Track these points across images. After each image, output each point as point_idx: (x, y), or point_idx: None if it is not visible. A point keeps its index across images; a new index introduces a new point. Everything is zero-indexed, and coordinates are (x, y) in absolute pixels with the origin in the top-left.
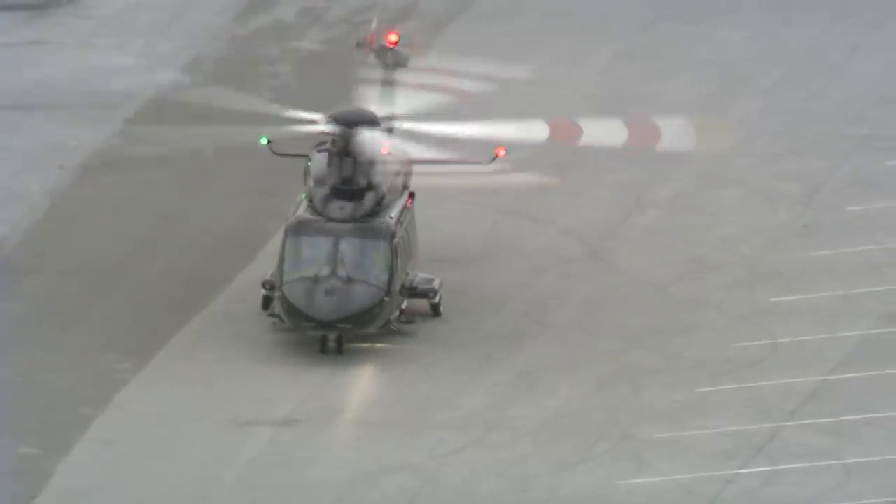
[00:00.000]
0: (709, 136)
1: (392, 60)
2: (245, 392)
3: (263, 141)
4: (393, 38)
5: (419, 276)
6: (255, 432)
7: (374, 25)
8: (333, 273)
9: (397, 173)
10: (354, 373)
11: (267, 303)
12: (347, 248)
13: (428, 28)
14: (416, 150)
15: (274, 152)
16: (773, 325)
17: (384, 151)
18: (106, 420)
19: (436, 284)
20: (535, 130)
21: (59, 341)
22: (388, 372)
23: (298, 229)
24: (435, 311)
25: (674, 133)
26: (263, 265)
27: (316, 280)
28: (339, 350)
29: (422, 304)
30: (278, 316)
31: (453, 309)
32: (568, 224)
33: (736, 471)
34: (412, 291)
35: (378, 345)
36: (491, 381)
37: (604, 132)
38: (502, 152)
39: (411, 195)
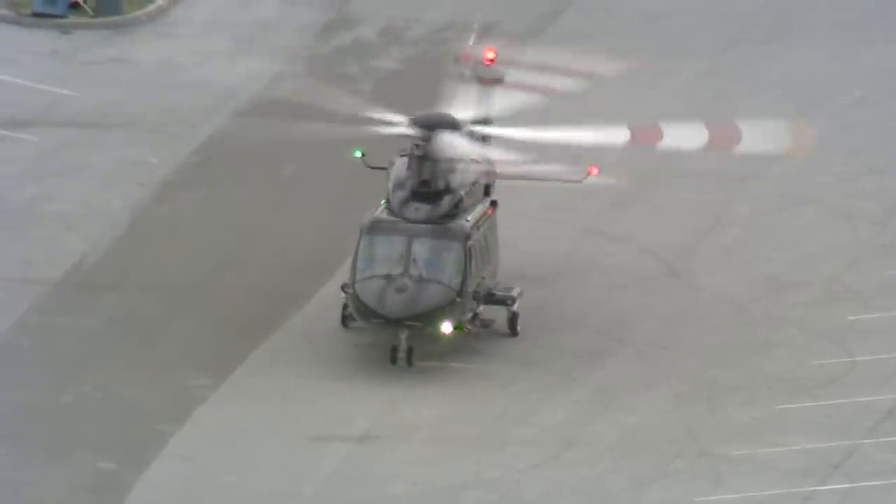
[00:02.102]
0: (793, 137)
1: (488, 77)
2: (322, 408)
3: (357, 154)
4: (490, 54)
5: (499, 284)
6: (333, 448)
7: (471, 42)
8: (405, 272)
9: (478, 179)
10: (430, 390)
11: (346, 317)
12: (420, 248)
13: (508, 47)
14: (508, 164)
15: (367, 165)
16: (851, 342)
17: (464, 156)
18: (184, 436)
19: (515, 293)
20: (617, 134)
21: (138, 358)
22: (464, 389)
23: (373, 229)
24: (512, 327)
25: (756, 135)
26: (341, 282)
27: (388, 278)
28: (409, 362)
29: (499, 322)
30: (350, 315)
31: (531, 326)
32: (646, 242)
33: (813, 488)
34: (490, 297)
35: (454, 363)
36: (569, 397)
37: (685, 135)
38: (595, 170)
39: (493, 203)
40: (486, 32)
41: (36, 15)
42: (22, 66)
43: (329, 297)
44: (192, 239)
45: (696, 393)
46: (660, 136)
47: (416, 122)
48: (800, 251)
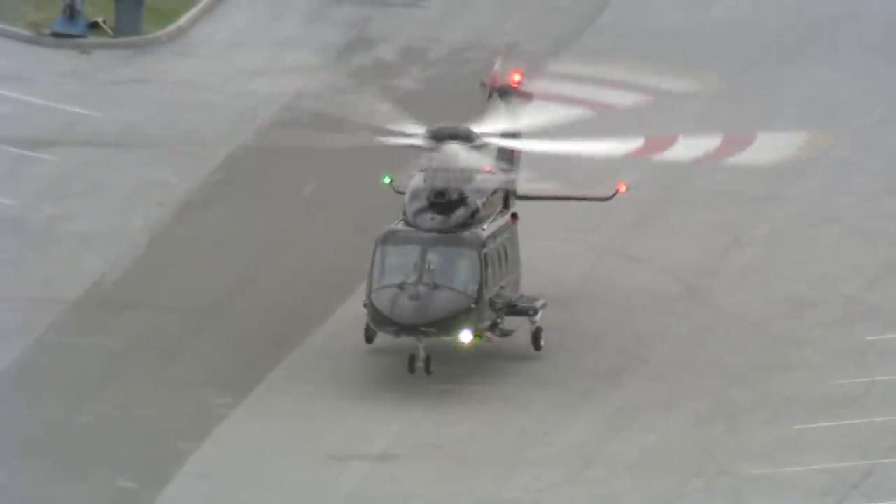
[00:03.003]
0: (808, 145)
1: (515, 99)
2: (342, 427)
3: (386, 181)
4: (517, 77)
5: (523, 296)
6: (352, 467)
7: (497, 65)
8: (420, 280)
9: (496, 190)
10: (449, 410)
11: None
12: (435, 256)
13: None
14: (535, 185)
15: (396, 191)
16: (870, 363)
17: (476, 167)
18: (203, 454)
19: (538, 304)
20: (631, 143)
21: (157, 376)
22: (484, 409)
23: (388, 239)
24: (535, 341)
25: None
26: (360, 301)
27: (402, 286)
28: (428, 370)
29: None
30: (368, 325)
31: (551, 346)
32: (666, 262)
33: None
34: (511, 308)
35: (473, 385)
36: (588, 417)
37: (701, 142)
38: (623, 188)
39: (514, 215)
40: (510, 54)
41: (56, 35)
42: (42, 86)
43: (349, 316)
44: (211, 258)
45: (715, 412)
46: (673, 143)
47: (431, 135)
48: (819, 271)
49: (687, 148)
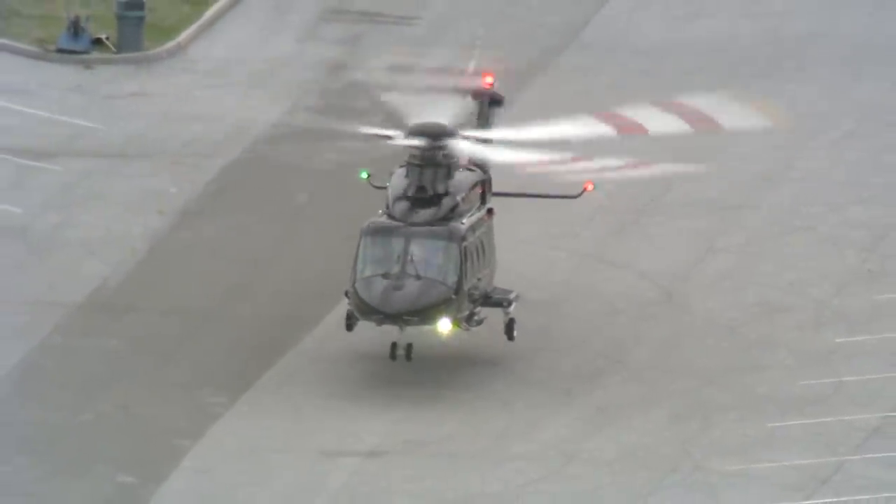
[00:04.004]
0: (765, 113)
1: (488, 100)
2: (332, 425)
3: (364, 175)
4: (489, 79)
5: (497, 288)
6: (342, 463)
7: (470, 68)
8: (403, 271)
9: (474, 185)
10: (435, 408)
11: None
12: (417, 248)
13: (513, 84)
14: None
15: (373, 185)
16: (838, 364)
17: (462, 163)
18: (200, 451)
19: (511, 296)
20: (602, 129)
21: (156, 377)
22: (468, 407)
23: (371, 231)
24: (509, 332)
25: (734, 116)
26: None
27: (385, 276)
28: (408, 357)
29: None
30: (351, 314)
31: (532, 347)
32: (644, 268)
33: (802, 502)
34: (487, 300)
35: (459, 384)
36: (569, 415)
37: (668, 126)
38: (590, 186)
39: (490, 210)
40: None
41: (61, 51)
42: (47, 100)
43: (339, 321)
44: (208, 264)
45: (691, 411)
46: (644, 128)
47: (414, 132)
48: (790, 277)
49: (656, 128)
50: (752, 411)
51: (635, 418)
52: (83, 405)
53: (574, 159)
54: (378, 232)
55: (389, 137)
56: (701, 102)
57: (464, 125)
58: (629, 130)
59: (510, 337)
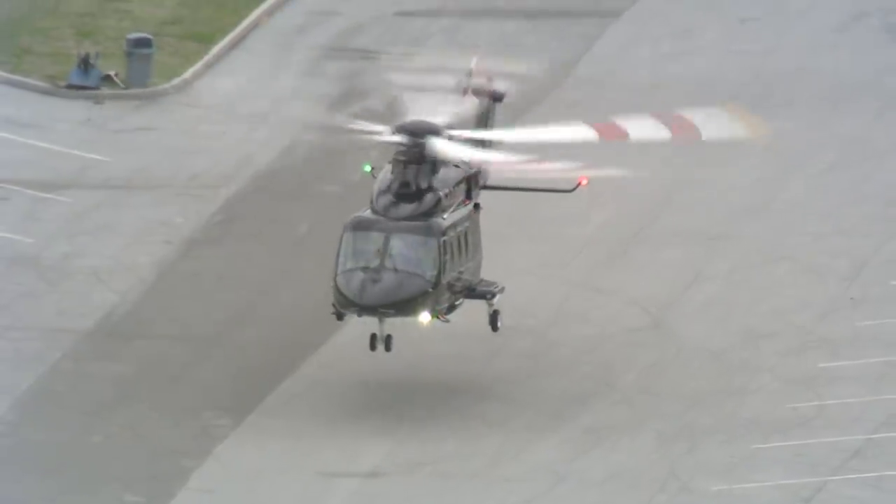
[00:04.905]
0: (744, 124)
1: (489, 97)
2: (332, 446)
3: (367, 168)
4: (490, 78)
5: (483, 280)
6: (343, 483)
7: (473, 66)
8: (382, 264)
9: (459, 181)
10: (431, 430)
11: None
12: (397, 242)
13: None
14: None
15: (375, 178)
16: (821, 388)
17: (447, 160)
18: (205, 471)
19: (495, 289)
20: (582, 133)
21: (163, 400)
22: (463, 428)
23: (354, 226)
24: (493, 324)
25: (713, 126)
26: (350, 332)
27: (365, 270)
28: (388, 348)
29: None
30: (334, 306)
31: (525, 372)
32: (633, 295)
33: None
34: (470, 292)
35: (453, 406)
36: (559, 437)
37: (649, 131)
38: (585, 181)
39: (476, 206)
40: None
41: (71, 87)
42: (58, 134)
43: (340, 346)
44: (213, 292)
45: (677, 434)
46: (625, 133)
47: (401, 130)
48: (774, 304)
49: (638, 135)
50: (737, 433)
51: (623, 440)
52: (92, 427)
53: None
54: (360, 226)
55: (376, 133)
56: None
57: (454, 124)
58: (610, 133)
59: (494, 328)
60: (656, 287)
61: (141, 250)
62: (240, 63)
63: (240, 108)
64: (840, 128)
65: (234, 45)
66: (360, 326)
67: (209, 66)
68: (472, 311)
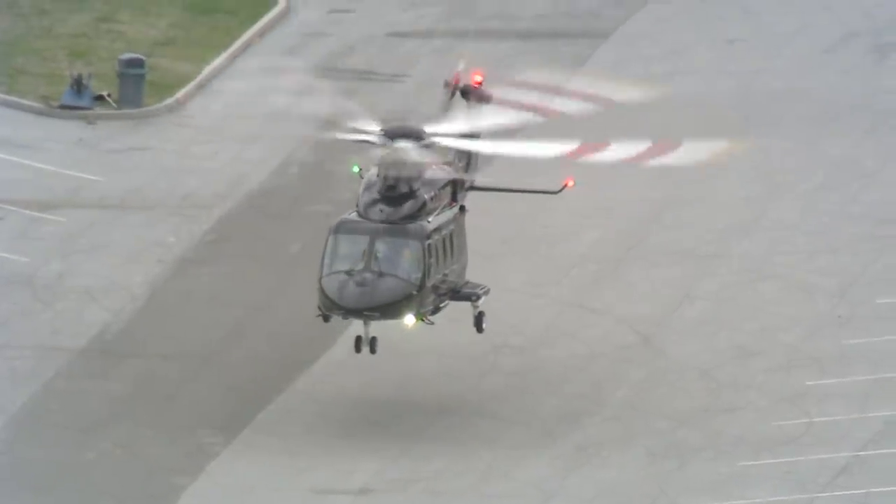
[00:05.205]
0: (726, 151)
1: (476, 98)
2: (324, 463)
3: (355, 170)
4: (478, 78)
5: (469, 282)
6: (335, 501)
7: (460, 67)
8: (367, 267)
9: (445, 185)
10: (423, 447)
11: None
12: (382, 245)
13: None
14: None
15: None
16: (808, 405)
17: (431, 164)
18: (198, 488)
19: (480, 291)
20: (566, 147)
21: (156, 418)
22: (454, 446)
23: (339, 228)
24: (478, 325)
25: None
26: (342, 350)
27: (350, 273)
28: (373, 350)
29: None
30: (319, 308)
31: (515, 389)
32: (623, 314)
33: None
34: (455, 294)
35: (443, 424)
36: (550, 454)
37: (629, 147)
38: (571, 182)
39: (461, 208)
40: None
41: (64, 107)
42: (51, 154)
43: (331, 363)
44: (206, 310)
45: (666, 451)
46: (606, 146)
47: (385, 133)
48: (762, 322)
49: (616, 151)
50: (726, 451)
51: (613, 457)
52: (86, 445)
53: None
54: (345, 229)
55: (363, 137)
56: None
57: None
58: (591, 149)
59: (479, 329)
60: (646, 305)
61: (134, 269)
62: (232, 83)
63: (232, 129)
64: (828, 148)
65: (225, 66)
66: (349, 346)
67: (201, 86)
68: (462, 331)
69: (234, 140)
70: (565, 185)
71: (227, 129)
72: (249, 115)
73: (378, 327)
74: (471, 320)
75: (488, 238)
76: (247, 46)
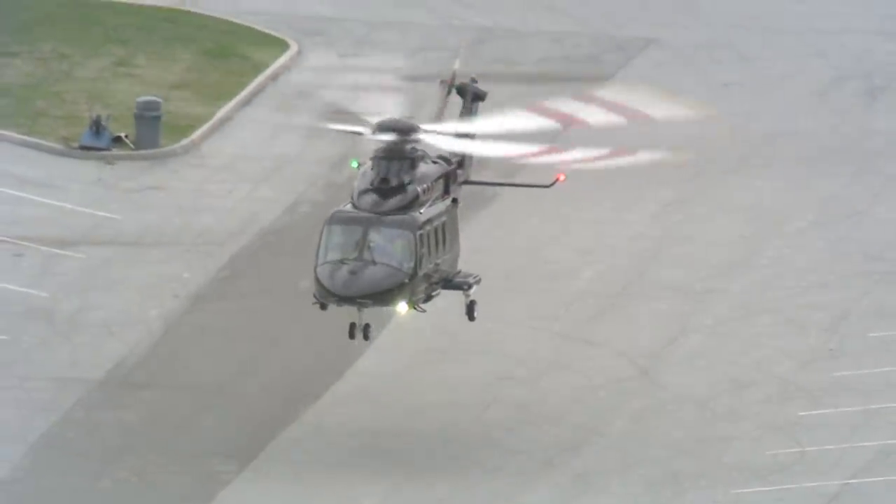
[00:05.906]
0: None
1: (471, 95)
2: (332, 491)
3: (354, 164)
4: (474, 76)
5: (460, 271)
6: None
7: (456, 65)
8: (360, 257)
9: (438, 177)
10: (427, 474)
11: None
12: (375, 235)
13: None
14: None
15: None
16: (801, 435)
17: (423, 156)
18: None
19: (471, 280)
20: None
21: (169, 447)
22: (457, 473)
23: (334, 219)
24: (469, 313)
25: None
26: (351, 383)
27: (343, 262)
28: (366, 336)
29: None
30: (315, 296)
31: (517, 420)
32: (621, 347)
33: None
34: (447, 283)
35: (448, 452)
36: (550, 482)
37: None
38: (562, 177)
39: (454, 201)
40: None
41: (83, 148)
42: (71, 193)
43: (340, 395)
44: (219, 344)
45: (664, 479)
46: (587, 122)
47: (379, 128)
48: (757, 355)
49: (575, 154)
50: (721, 479)
51: (612, 485)
52: (102, 473)
53: (550, 150)
54: (339, 220)
55: (357, 133)
56: (633, 98)
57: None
58: (572, 123)
59: (471, 317)
60: (644, 338)
61: (150, 304)
62: (245, 125)
63: (245, 169)
64: (819, 188)
65: (239, 108)
66: (357, 378)
67: (216, 128)
68: (468, 362)
69: (248, 179)
70: (557, 180)
71: (240, 169)
72: (262, 155)
73: (382, 357)
74: (462, 308)
75: (493, 274)
76: (259, 90)
